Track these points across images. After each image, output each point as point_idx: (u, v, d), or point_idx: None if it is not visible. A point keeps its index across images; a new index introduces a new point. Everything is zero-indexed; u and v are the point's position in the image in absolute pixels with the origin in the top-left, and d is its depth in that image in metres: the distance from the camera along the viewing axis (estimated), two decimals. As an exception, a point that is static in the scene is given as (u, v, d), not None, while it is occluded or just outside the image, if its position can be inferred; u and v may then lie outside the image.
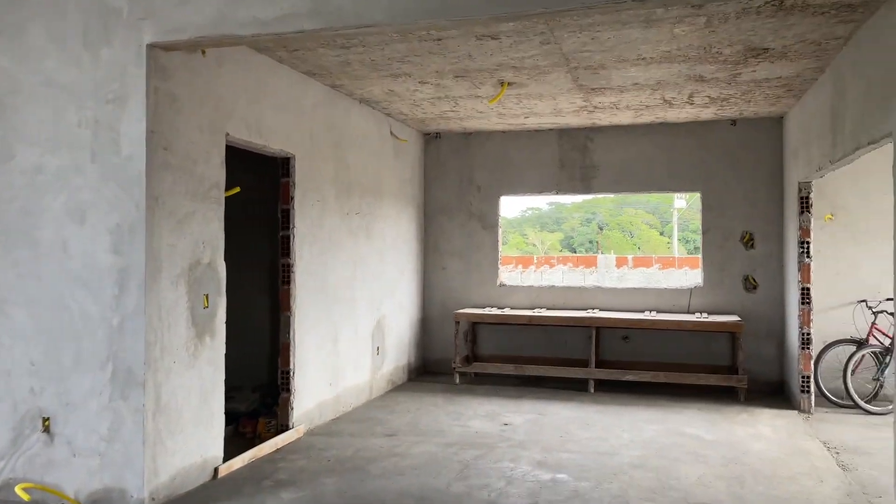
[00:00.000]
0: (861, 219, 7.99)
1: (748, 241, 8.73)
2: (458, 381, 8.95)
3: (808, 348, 7.53)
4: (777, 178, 8.59)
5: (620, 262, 13.30)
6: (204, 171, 5.18)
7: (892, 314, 7.64)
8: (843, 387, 7.59)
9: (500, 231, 9.78)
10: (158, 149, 4.72)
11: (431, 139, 9.82)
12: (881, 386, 7.70)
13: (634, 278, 12.61)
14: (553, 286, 9.52)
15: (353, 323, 7.62)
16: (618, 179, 9.17)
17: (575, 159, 9.31)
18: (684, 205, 45.28)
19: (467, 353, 9.39)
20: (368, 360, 8.02)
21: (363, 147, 7.93)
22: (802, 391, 7.54)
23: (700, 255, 9.00)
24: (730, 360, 8.72)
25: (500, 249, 9.76)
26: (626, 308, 9.12)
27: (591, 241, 52.28)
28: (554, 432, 6.68)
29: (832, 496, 4.98)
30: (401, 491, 5.08)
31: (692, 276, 12.75)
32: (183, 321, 4.94)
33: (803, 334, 7.54)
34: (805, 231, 7.56)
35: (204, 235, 5.18)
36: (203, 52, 5.12)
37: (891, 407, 7.41)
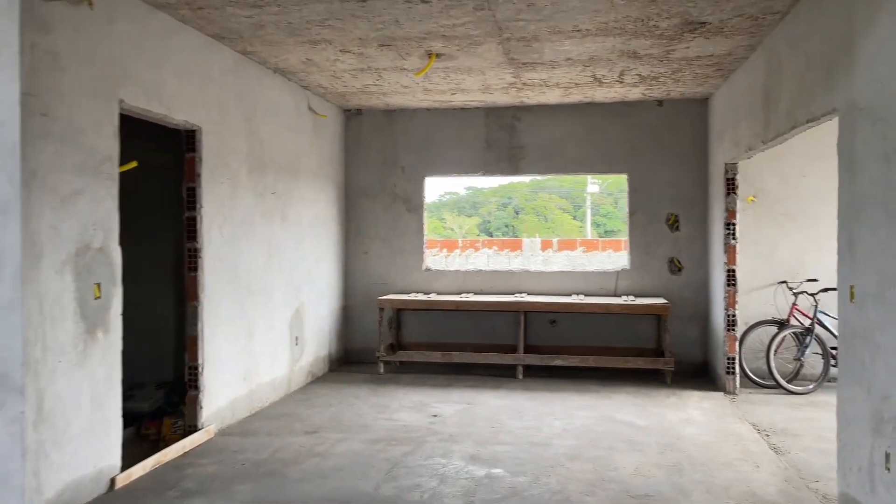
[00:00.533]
0: (780, 201, 8.07)
1: (673, 224, 8.70)
2: (382, 370, 8.53)
3: (734, 330, 7.54)
4: (702, 160, 8.57)
5: (545, 246, 13.19)
6: (94, 143, 4.52)
7: (812, 295, 7.75)
8: (765, 367, 7.66)
9: (425, 213, 9.38)
10: (36, 115, 4.04)
11: (353, 116, 9.29)
12: (802, 366, 7.82)
13: (560, 261, 12.50)
14: (480, 270, 9.23)
15: (268, 312, 7.06)
16: (545, 160, 8.94)
17: (502, 139, 9.01)
18: (597, 189, 46.33)
19: (392, 341, 8.98)
20: (286, 352, 7.48)
21: (278, 121, 7.33)
22: (728, 372, 7.56)
23: (626, 238, 8.91)
24: (655, 343, 8.69)
25: (425, 233, 9.37)
26: (554, 292, 8.93)
27: (507, 226, 52.77)
28: (485, 423, 6.38)
29: (771, 482, 4.89)
30: (325, 496, 4.63)
31: (616, 259, 12.79)
32: (70, 315, 4.30)
33: (729, 316, 7.54)
34: (731, 213, 7.54)
35: (94, 216, 4.53)
36: (90, 4, 4.44)
37: (811, 386, 7.53)
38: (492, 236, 49.21)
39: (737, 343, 7.56)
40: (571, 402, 7.18)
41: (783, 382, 7.59)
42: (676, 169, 8.66)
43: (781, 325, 7.86)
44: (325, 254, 8.63)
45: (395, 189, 9.25)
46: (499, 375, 8.41)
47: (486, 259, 12.30)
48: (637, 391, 7.65)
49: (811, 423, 6.39)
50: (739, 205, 7.68)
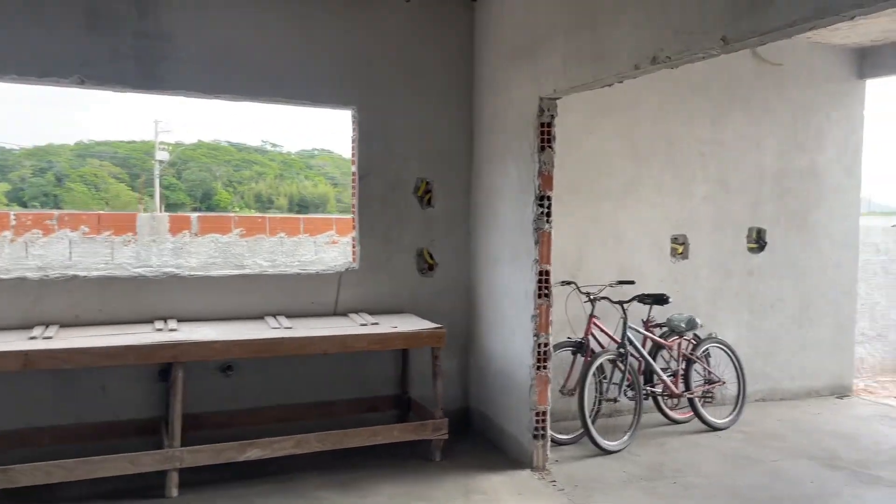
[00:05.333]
0: (559, 167, 5.45)
1: (424, 195, 5.49)
2: None
3: (546, 368, 4.73)
4: (468, 94, 5.54)
5: (179, 226, 8.52)
6: None
7: (621, 304, 5.40)
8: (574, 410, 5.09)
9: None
10: None
11: None
12: (601, 403, 5.43)
13: (204, 251, 8.00)
14: (74, 276, 4.58)
15: None
16: (209, 71, 4.78)
17: (123, 18, 4.54)
18: (167, 157, 40.31)
19: None
20: None
21: None
22: (536, 436, 4.73)
23: (355, 217, 5.36)
24: (396, 386, 5.41)
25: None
26: (229, 314, 4.90)
27: (46, 195, 42.95)
28: None
29: None
30: None
31: (324, 250, 8.88)
32: None
33: (539, 346, 4.70)
34: (546, 179, 4.68)
35: None
36: None
37: (624, 439, 5.19)
38: (27, 207, 39.31)
39: (548, 387, 4.79)
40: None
41: (601, 439, 5.09)
42: (431, 106, 5.45)
43: (579, 346, 5.37)
44: None
45: None
46: (128, 496, 4.09)
47: (69, 249, 7.20)
48: (401, 490, 4.28)
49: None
50: (515, 170, 4.89)
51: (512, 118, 4.96)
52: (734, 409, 5.84)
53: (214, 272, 4.94)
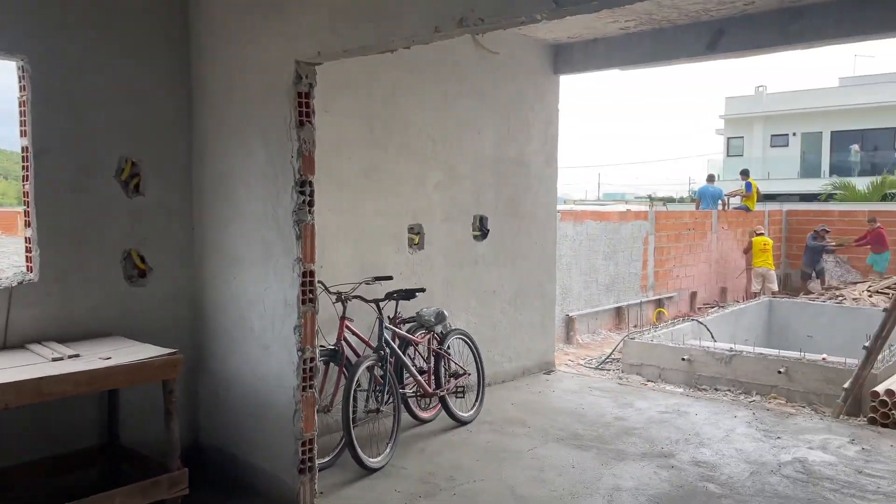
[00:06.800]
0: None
1: (130, 180, 4.20)
2: None
3: (312, 388, 3.98)
4: (184, 50, 4.38)
5: None
6: None
7: (376, 304, 4.86)
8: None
9: None
10: None
11: None
12: (355, 414, 4.83)
13: None
14: None
15: None
16: None
17: None
18: None
19: None
20: None
21: None
22: (303, 469, 3.96)
23: (30, 210, 3.82)
24: (102, 434, 4.07)
25: None
26: None
27: None
28: None
29: None
30: None
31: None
32: None
33: (303, 361, 3.92)
34: (307, 162, 3.90)
35: None
36: None
37: (387, 452, 4.71)
38: None
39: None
40: None
41: (364, 456, 4.50)
42: (134, 62, 4.17)
43: (333, 354, 4.71)
44: None
45: None
46: None
47: None
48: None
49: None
50: (263, 150, 4.09)
51: (257, 85, 4.02)
52: (476, 400, 5.76)
53: None
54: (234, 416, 4.32)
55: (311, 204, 3.90)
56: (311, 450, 3.98)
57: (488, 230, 6.58)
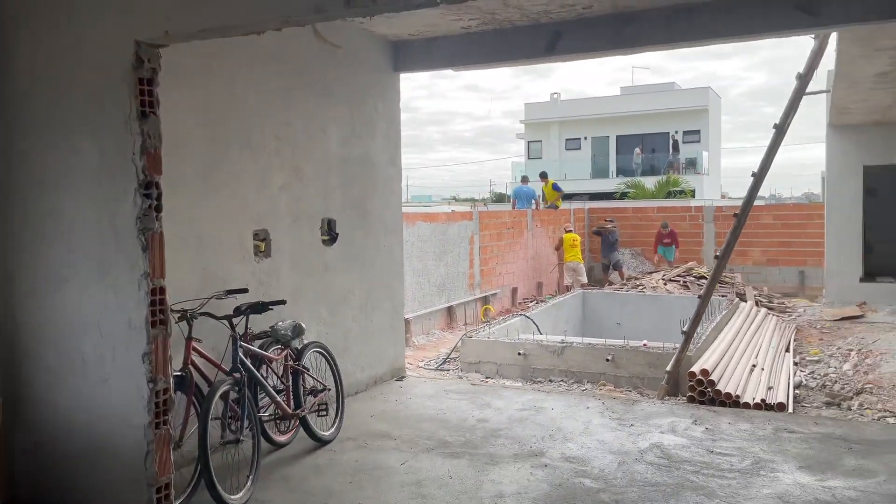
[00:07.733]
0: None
1: None
2: None
3: (167, 422, 3.41)
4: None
5: None
6: None
7: (228, 320, 4.32)
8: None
9: None
10: None
11: None
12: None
13: None
14: None
15: None
16: None
17: None
18: None
19: None
20: None
21: None
22: (158, 519, 3.38)
23: None
24: None
25: None
26: None
27: None
28: None
29: None
30: None
31: None
32: None
33: (157, 394, 3.34)
34: (153, 158, 3.35)
35: None
36: None
37: (248, 486, 4.22)
38: None
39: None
40: None
41: (225, 496, 3.96)
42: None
43: (180, 382, 4.12)
44: None
45: None
46: None
47: None
48: None
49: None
50: (95, 148, 3.48)
51: (83, 69, 3.35)
52: (336, 417, 5.37)
53: None
54: (66, 468, 3.58)
55: (158, 209, 3.35)
56: (168, 496, 3.41)
57: (337, 234, 6.19)
